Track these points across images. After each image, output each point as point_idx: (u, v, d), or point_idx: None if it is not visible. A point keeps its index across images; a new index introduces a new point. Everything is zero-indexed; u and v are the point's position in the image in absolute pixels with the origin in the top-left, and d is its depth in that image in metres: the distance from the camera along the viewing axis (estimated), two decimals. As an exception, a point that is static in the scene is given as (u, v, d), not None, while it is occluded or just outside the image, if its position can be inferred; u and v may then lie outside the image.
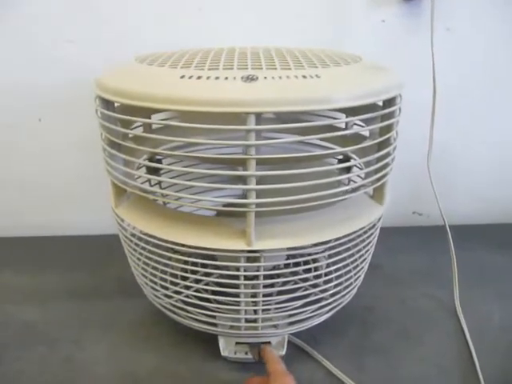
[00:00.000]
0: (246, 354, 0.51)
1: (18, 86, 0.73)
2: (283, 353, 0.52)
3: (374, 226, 0.52)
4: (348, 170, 0.58)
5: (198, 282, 0.51)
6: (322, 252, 0.50)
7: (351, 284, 0.53)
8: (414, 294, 0.65)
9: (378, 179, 0.49)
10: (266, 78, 0.40)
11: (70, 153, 0.78)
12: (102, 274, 0.70)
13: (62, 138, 0.77)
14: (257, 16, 0.71)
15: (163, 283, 0.50)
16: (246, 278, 0.47)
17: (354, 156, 0.57)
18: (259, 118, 0.40)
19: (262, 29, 0.71)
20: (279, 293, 0.52)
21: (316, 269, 0.51)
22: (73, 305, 0.63)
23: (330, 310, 0.53)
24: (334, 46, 0.71)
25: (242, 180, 0.42)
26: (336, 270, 0.50)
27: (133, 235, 0.51)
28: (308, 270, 0.51)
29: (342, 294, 0.52)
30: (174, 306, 0.52)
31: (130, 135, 0.50)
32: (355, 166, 0.57)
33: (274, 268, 0.54)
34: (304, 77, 0.41)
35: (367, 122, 0.49)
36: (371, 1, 0.70)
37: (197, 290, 0.50)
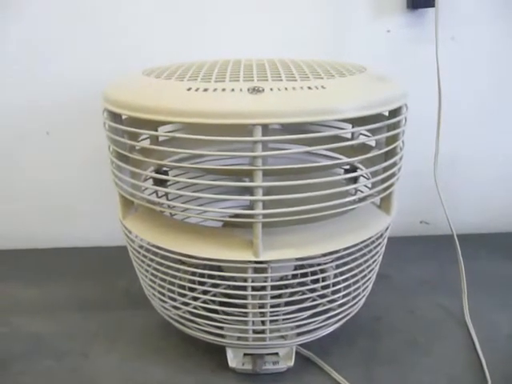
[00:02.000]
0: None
1: (26, 99, 0.74)
2: (291, 364, 0.51)
3: (381, 235, 0.51)
4: (355, 180, 0.58)
5: (205, 293, 0.51)
6: (330, 262, 0.50)
7: (359, 294, 0.53)
8: (422, 304, 0.64)
9: (385, 189, 0.49)
10: (271, 89, 0.40)
11: (79, 166, 0.79)
12: (110, 285, 0.70)
13: (71, 151, 0.78)
14: (261, 28, 0.72)
15: (171, 294, 0.50)
16: (254, 288, 0.47)
17: (360, 166, 0.57)
18: (266, 129, 0.40)
19: (266, 40, 0.72)
20: (287, 303, 0.51)
21: (324, 279, 0.51)
22: (81, 317, 0.63)
23: (339, 320, 0.52)
24: (338, 56, 0.72)
25: (249, 191, 0.42)
26: (344, 281, 0.50)
27: (140, 247, 0.52)
28: (316, 281, 0.51)
29: (351, 304, 0.52)
30: (182, 317, 0.51)
31: (137, 147, 0.51)
32: (362, 176, 0.57)
33: (282, 279, 0.54)
34: (309, 88, 0.41)
35: (373, 132, 0.49)
36: (375, 11, 0.71)
37: (204, 302, 0.50)
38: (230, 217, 0.48)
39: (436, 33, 0.66)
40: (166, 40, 0.72)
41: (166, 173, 0.61)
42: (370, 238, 0.49)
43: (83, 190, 0.80)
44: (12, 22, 0.71)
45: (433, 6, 0.66)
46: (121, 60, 0.71)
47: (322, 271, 0.54)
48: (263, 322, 0.49)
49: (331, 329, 0.53)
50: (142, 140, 0.57)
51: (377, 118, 0.46)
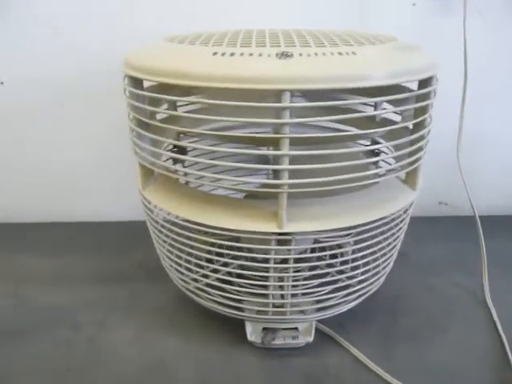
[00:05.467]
0: (273, 339, 0.50)
1: (42, 75, 0.74)
2: (311, 339, 0.51)
3: (405, 211, 0.50)
4: (377, 154, 0.57)
5: (225, 265, 0.50)
6: (351, 237, 0.49)
7: (380, 271, 0.52)
8: (442, 283, 0.64)
9: (411, 163, 0.48)
10: (301, 54, 0.39)
11: (94, 140, 0.78)
12: (126, 258, 0.70)
13: (86, 124, 0.77)
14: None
15: (190, 266, 0.50)
16: (275, 261, 0.46)
17: (382, 141, 0.55)
18: (292, 96, 0.38)
19: (289, 11, 0.70)
20: (307, 278, 0.51)
21: (342, 255, 0.50)
22: (96, 289, 0.63)
23: (358, 297, 0.52)
24: (364, 29, 0.70)
25: (264, 160, 0.41)
26: (363, 257, 0.49)
27: (160, 218, 0.51)
28: (336, 256, 0.50)
29: (371, 281, 0.51)
30: (201, 289, 0.51)
31: (158, 116, 0.50)
32: (386, 148, 0.55)
33: (301, 253, 0.53)
34: (340, 54, 0.40)
35: (399, 105, 0.48)
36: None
37: (224, 275, 0.50)
38: (255, 187, 0.47)
39: (464, 6, 0.63)
40: (186, 10, 0.70)
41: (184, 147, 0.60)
42: (396, 212, 0.48)
43: (98, 165, 0.79)
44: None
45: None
46: (136, 31, 0.69)
47: (341, 246, 0.53)
48: (283, 296, 0.49)
49: (351, 305, 0.52)
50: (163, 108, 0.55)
51: (402, 90, 0.45)
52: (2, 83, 0.74)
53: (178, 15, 0.70)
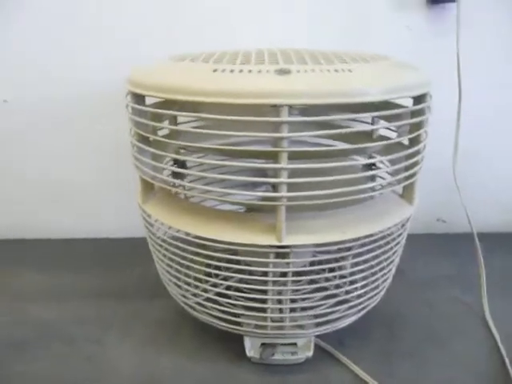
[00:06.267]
0: (272, 355, 0.50)
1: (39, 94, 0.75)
2: (310, 354, 0.50)
3: (403, 225, 0.51)
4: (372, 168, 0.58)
5: (223, 280, 0.50)
6: (349, 251, 0.50)
7: (378, 286, 0.52)
8: (441, 299, 0.64)
9: (408, 177, 0.48)
10: (298, 71, 0.40)
11: (92, 158, 0.79)
12: (124, 274, 0.70)
13: (87, 140, 0.78)
14: (280, 20, 0.72)
15: (189, 280, 0.50)
16: (274, 275, 0.46)
17: (378, 156, 0.56)
18: (290, 112, 0.40)
19: (285, 33, 0.72)
20: (305, 293, 0.51)
21: (340, 268, 0.50)
22: (95, 304, 0.63)
23: (357, 311, 0.52)
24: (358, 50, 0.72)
25: (263, 174, 0.42)
26: (361, 271, 0.49)
27: (159, 232, 0.51)
28: (334, 270, 0.50)
29: (370, 295, 0.51)
30: (199, 304, 0.51)
31: (159, 131, 0.51)
32: (381, 163, 0.56)
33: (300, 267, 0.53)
34: (336, 71, 0.41)
35: (395, 121, 0.49)
36: (395, 6, 0.71)
37: (222, 289, 0.50)
38: (252, 200, 0.48)
39: (457, 28, 0.65)
40: (186, 34, 0.72)
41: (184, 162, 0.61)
42: (394, 226, 0.48)
43: (97, 182, 0.80)
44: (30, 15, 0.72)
45: (453, 0, 0.66)
46: (137, 52, 0.71)
47: (338, 260, 0.54)
48: (281, 311, 0.49)
49: (350, 320, 0.52)
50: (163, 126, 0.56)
51: (397, 107, 0.46)
52: (5, 101, 0.76)
53: (179, 37, 0.72)
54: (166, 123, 0.57)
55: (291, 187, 0.42)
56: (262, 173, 0.57)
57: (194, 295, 0.51)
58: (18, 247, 0.80)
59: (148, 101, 0.48)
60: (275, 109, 0.39)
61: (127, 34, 0.72)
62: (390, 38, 0.73)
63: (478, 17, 0.71)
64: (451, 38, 0.66)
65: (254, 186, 0.58)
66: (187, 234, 0.47)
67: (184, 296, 0.52)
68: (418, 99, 0.46)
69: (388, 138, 0.54)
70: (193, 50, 0.55)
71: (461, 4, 0.66)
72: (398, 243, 0.51)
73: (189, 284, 0.50)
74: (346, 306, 0.50)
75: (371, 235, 0.46)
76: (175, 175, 0.57)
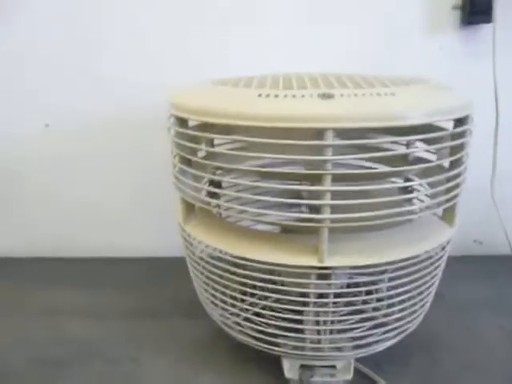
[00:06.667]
0: (312, 377, 0.50)
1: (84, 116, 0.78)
2: (350, 377, 0.50)
3: (443, 248, 0.50)
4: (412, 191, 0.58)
5: (264, 300, 0.50)
6: (385, 273, 0.49)
7: (417, 310, 0.51)
8: (480, 323, 0.62)
9: (448, 200, 0.48)
10: (342, 95, 0.41)
11: (127, 181, 0.81)
12: (158, 294, 0.71)
13: (123, 161, 0.80)
14: (314, 43, 0.74)
15: (230, 300, 0.50)
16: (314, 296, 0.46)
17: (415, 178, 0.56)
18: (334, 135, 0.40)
19: (319, 56, 0.73)
20: (342, 315, 0.50)
21: (377, 291, 0.50)
22: (130, 324, 0.64)
23: (396, 335, 0.51)
24: (390, 72, 0.72)
25: (297, 196, 0.42)
26: (399, 294, 0.48)
27: (198, 251, 0.52)
28: (371, 293, 0.50)
29: (408, 319, 0.51)
30: (238, 323, 0.51)
31: (199, 153, 0.52)
32: (420, 185, 0.56)
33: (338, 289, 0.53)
34: (378, 94, 0.41)
35: (434, 144, 0.49)
36: (428, 28, 0.71)
37: (261, 309, 0.50)
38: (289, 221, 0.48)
39: (493, 49, 0.65)
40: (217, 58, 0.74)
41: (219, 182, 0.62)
42: (433, 250, 0.48)
43: (131, 202, 0.82)
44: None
45: (490, 21, 0.66)
46: (162, 75, 0.74)
47: (375, 283, 0.53)
48: (319, 332, 0.48)
49: (388, 344, 0.51)
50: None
51: (436, 129, 0.46)
52: (47, 126, 0.78)
53: (204, 62, 0.75)
54: (202, 145, 0.58)
55: (332, 209, 0.42)
56: (296, 194, 0.57)
57: (232, 314, 0.51)
58: (55, 265, 0.81)
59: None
60: (319, 132, 0.39)
61: (158, 59, 0.75)
62: (424, 60, 0.73)
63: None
64: (486, 59, 0.66)
65: (288, 207, 0.59)
66: (225, 253, 0.48)
67: (222, 315, 0.53)
68: (460, 121, 0.46)
69: (425, 159, 0.54)
70: (219, 73, 0.57)
71: (497, 24, 0.66)
72: (437, 266, 0.51)
73: (227, 303, 0.51)
74: (383, 329, 0.49)
75: (408, 258, 0.46)
76: (212, 196, 0.58)
